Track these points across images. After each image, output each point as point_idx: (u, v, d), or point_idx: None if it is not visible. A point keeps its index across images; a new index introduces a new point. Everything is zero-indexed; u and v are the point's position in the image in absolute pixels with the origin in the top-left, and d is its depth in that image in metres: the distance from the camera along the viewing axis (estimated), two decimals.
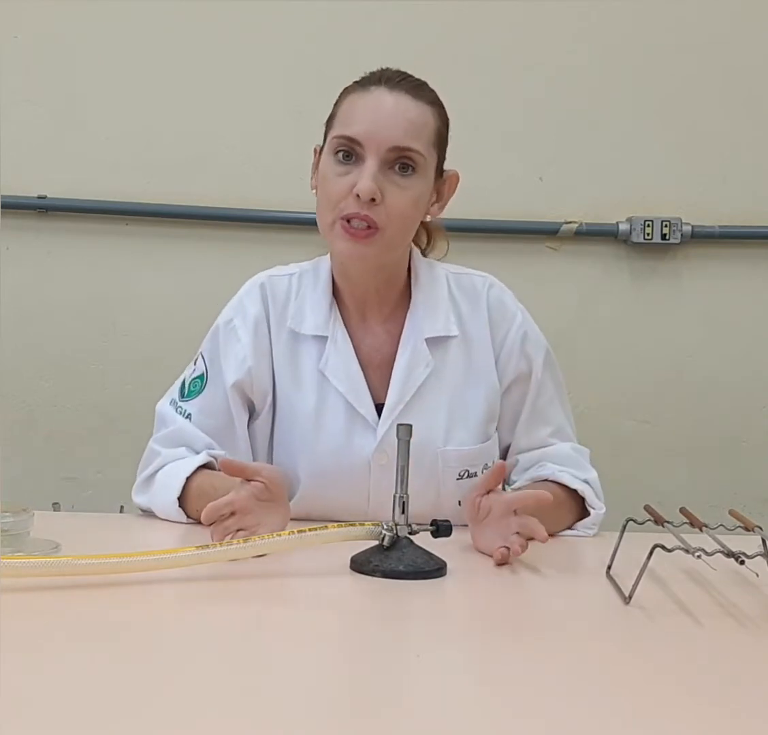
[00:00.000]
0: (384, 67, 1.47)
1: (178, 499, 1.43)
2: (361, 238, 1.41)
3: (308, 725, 0.75)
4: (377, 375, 1.52)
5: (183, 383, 1.55)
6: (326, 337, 1.51)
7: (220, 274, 2.33)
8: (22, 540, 1.17)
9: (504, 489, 1.53)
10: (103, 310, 2.39)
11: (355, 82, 1.46)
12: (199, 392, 1.52)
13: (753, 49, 2.42)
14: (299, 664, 0.90)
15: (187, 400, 1.52)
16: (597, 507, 1.51)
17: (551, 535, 1.40)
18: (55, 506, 2.14)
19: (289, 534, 1.18)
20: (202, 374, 1.53)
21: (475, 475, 1.50)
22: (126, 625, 0.98)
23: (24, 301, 2.35)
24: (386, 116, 1.40)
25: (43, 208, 2.35)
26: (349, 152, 1.41)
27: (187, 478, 1.43)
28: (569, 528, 1.50)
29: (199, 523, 1.41)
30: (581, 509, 1.51)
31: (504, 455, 1.59)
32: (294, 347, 1.52)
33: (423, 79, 1.48)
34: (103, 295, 2.39)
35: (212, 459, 1.47)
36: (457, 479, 1.50)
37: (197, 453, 1.48)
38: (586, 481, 1.52)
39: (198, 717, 0.76)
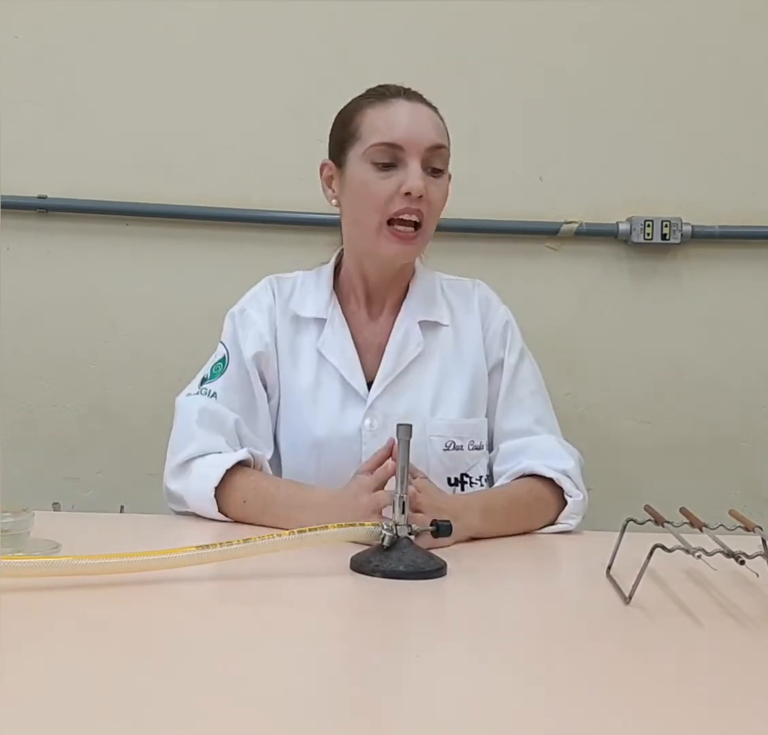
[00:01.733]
0: (382, 82, 1.56)
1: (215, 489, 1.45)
2: (409, 239, 1.52)
3: (308, 725, 0.75)
4: (374, 357, 1.61)
5: (203, 377, 1.61)
6: (325, 320, 1.62)
7: (220, 274, 2.33)
8: (22, 540, 1.17)
9: (491, 484, 1.61)
10: (103, 310, 2.39)
11: (368, 98, 1.55)
12: (222, 373, 1.59)
13: (753, 49, 2.42)
14: (299, 664, 0.90)
15: (211, 382, 1.59)
16: (574, 495, 1.51)
17: (535, 530, 1.48)
18: (55, 506, 2.14)
19: (289, 534, 1.18)
20: (224, 357, 1.61)
21: (461, 449, 1.58)
22: (126, 625, 0.98)
23: (24, 301, 2.35)
24: (420, 121, 1.53)
25: (43, 208, 2.35)
26: (390, 158, 1.50)
27: (227, 471, 1.46)
28: (552, 523, 1.50)
29: (228, 521, 1.44)
30: (562, 501, 1.52)
31: (491, 444, 1.64)
32: (295, 330, 1.63)
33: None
34: (103, 295, 2.39)
35: (250, 456, 1.50)
36: (444, 450, 1.57)
37: (229, 435, 1.52)
38: (565, 472, 1.53)
39: (198, 717, 0.76)
